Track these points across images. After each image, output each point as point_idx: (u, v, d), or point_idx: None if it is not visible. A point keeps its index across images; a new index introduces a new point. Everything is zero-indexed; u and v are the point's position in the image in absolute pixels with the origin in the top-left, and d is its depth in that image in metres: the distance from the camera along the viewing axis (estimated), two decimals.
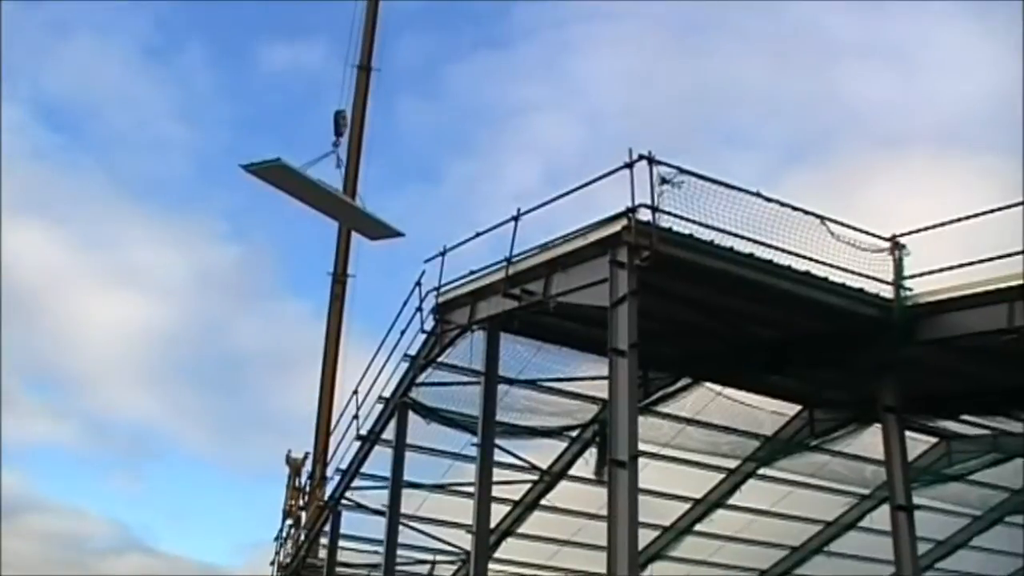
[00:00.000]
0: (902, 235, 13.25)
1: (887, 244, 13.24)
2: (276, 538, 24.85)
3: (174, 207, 61.00)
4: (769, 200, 12.37)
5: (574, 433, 17.58)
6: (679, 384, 15.73)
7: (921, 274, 12.99)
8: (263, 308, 59.39)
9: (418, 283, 15.87)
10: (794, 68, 55.11)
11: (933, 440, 17.20)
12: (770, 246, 12.30)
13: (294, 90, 59.13)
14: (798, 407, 16.68)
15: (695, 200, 11.91)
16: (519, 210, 13.71)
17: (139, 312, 56.17)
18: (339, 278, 24.88)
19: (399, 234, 20.88)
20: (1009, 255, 11.65)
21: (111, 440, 55.83)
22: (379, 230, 21.30)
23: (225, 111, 62.47)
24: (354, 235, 24.38)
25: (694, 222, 11.87)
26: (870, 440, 16.04)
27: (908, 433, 14.24)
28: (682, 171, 11.79)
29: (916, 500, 13.83)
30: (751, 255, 12.19)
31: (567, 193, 12.96)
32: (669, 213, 11.71)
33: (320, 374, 24.69)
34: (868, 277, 12.96)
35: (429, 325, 15.77)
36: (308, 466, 24.58)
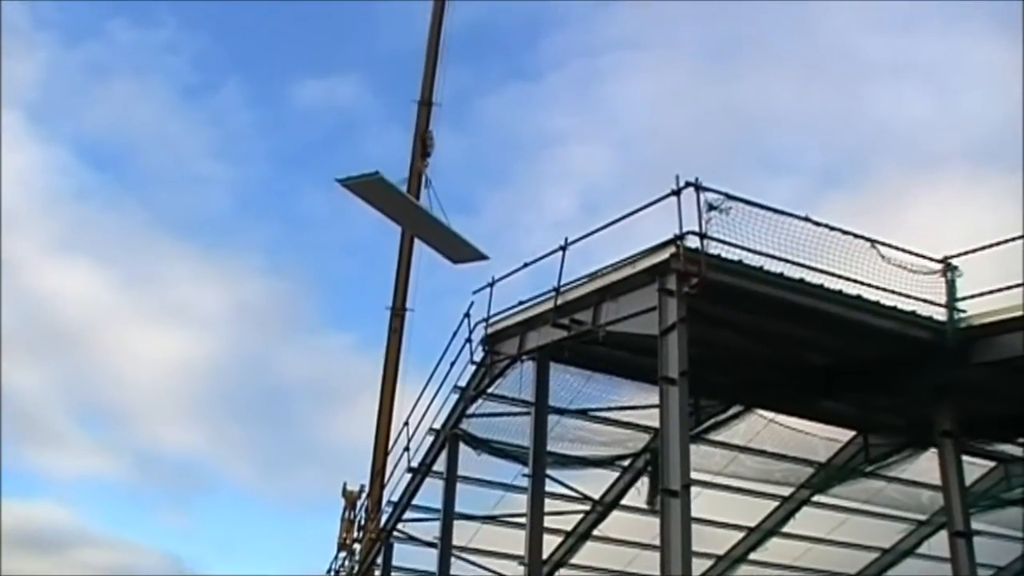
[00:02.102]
0: (953, 256, 13.28)
1: (938, 266, 13.24)
2: (328, 571, 24.96)
3: (214, 243, 62.26)
4: (818, 224, 12.41)
5: (626, 462, 17.56)
6: (731, 411, 15.70)
7: (974, 296, 13.00)
8: (305, 341, 60.49)
9: (467, 314, 16.04)
10: (827, 90, 55.19)
11: (991, 464, 17.03)
12: (820, 270, 12.33)
13: (328, 125, 60.32)
14: (852, 433, 16.57)
15: (742, 226, 11.96)
16: (566, 240, 13.85)
17: (183, 347, 57.14)
18: (397, 312, 24.92)
19: (484, 257, 20.79)
20: None
21: (160, 474, 56.60)
22: (464, 252, 21.15)
23: (261, 147, 63.92)
24: (413, 269, 24.54)
25: (742, 248, 11.93)
26: (926, 465, 15.94)
27: (965, 457, 14.13)
28: (730, 197, 11.86)
29: (975, 526, 13.68)
30: (801, 280, 12.23)
31: (615, 222, 13.04)
32: (717, 240, 11.77)
33: (377, 408, 24.73)
34: (920, 300, 12.94)
35: (479, 356, 15.88)
36: (364, 499, 24.67)
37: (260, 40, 61.70)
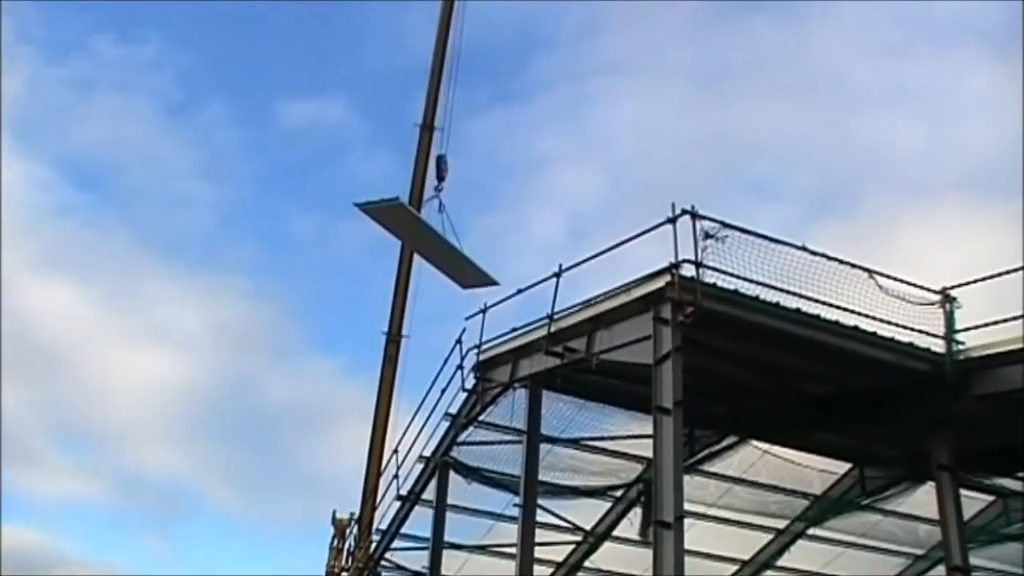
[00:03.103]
0: (952, 287, 13.28)
1: (937, 297, 13.24)
2: None
3: (199, 264, 62.01)
4: (815, 253, 12.44)
5: (618, 493, 17.54)
6: (725, 442, 15.72)
7: (973, 327, 12.97)
8: (291, 364, 60.07)
9: (459, 340, 16.03)
10: (818, 115, 55.11)
11: (989, 499, 17.01)
12: (816, 300, 12.31)
13: (314, 145, 60.34)
14: (848, 465, 16.57)
15: (737, 254, 11.99)
16: (560, 267, 13.88)
17: (167, 369, 56.75)
18: (393, 338, 24.88)
19: (494, 283, 20.91)
20: None
21: (142, 497, 56.10)
22: (475, 277, 21.23)
23: (247, 167, 63.73)
24: (411, 294, 24.54)
25: (738, 277, 11.93)
26: (923, 498, 15.92)
27: (963, 491, 14.11)
28: (726, 225, 11.90)
29: (973, 561, 13.82)
30: (797, 310, 12.20)
31: (610, 249, 13.07)
32: (713, 268, 11.79)
33: (369, 439, 24.59)
34: (918, 331, 12.93)
35: (470, 383, 15.86)
36: (353, 527, 24.52)
37: (246, 59, 61.70)
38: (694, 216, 11.86)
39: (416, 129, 24.31)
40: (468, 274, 21.21)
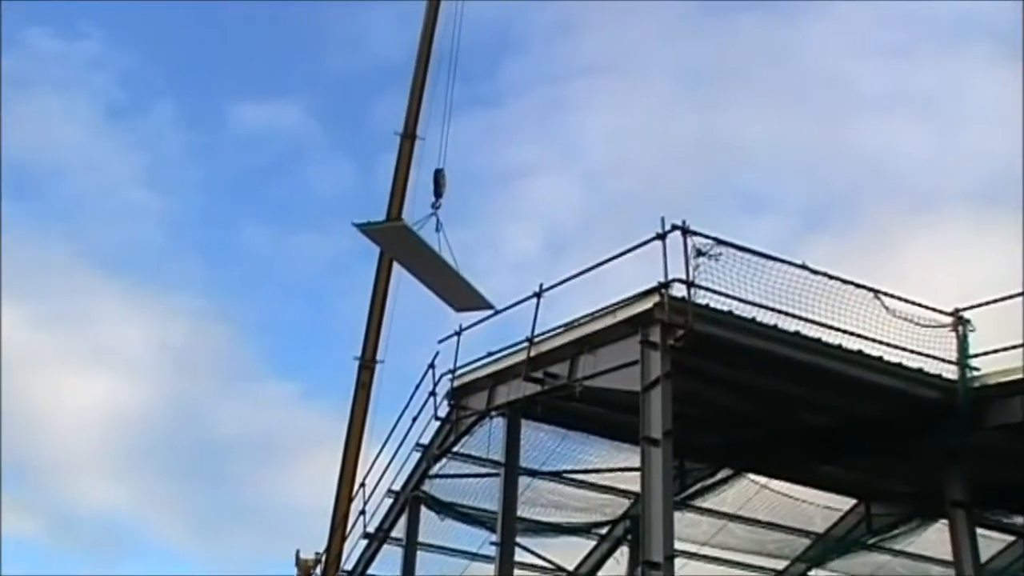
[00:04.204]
0: (965, 309, 13.16)
1: (948, 319, 13.09)
2: None
3: (146, 279, 60.20)
4: (816, 272, 12.27)
5: (603, 530, 17.41)
6: (719, 476, 15.61)
7: (989, 352, 12.83)
8: (244, 389, 58.41)
9: (431, 365, 15.86)
10: (812, 122, 54.32)
11: (1009, 539, 16.80)
12: (817, 323, 12.17)
13: (269, 151, 59.31)
14: (853, 501, 16.48)
15: (731, 272, 11.83)
16: (541, 286, 13.70)
17: (108, 394, 55.26)
18: (367, 364, 24.61)
19: (490, 307, 20.84)
20: None
21: (80, 536, 54.64)
22: (470, 301, 21.26)
23: (196, 175, 62.19)
24: (386, 318, 24.29)
25: (733, 297, 11.78)
26: (936, 537, 15.83)
27: (979, 530, 13.95)
28: (719, 242, 11.75)
29: None
30: (797, 333, 12.05)
31: (596, 267, 12.92)
32: (705, 288, 11.62)
33: (340, 469, 24.28)
34: (928, 356, 12.80)
35: (443, 411, 15.68)
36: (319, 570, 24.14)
37: (194, 58, 59.98)
38: (685, 232, 11.72)
39: (396, 138, 24.13)
40: (464, 297, 21.25)
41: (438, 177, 22.73)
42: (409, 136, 24.12)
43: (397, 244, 21.14)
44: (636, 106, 53.40)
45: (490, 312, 18.95)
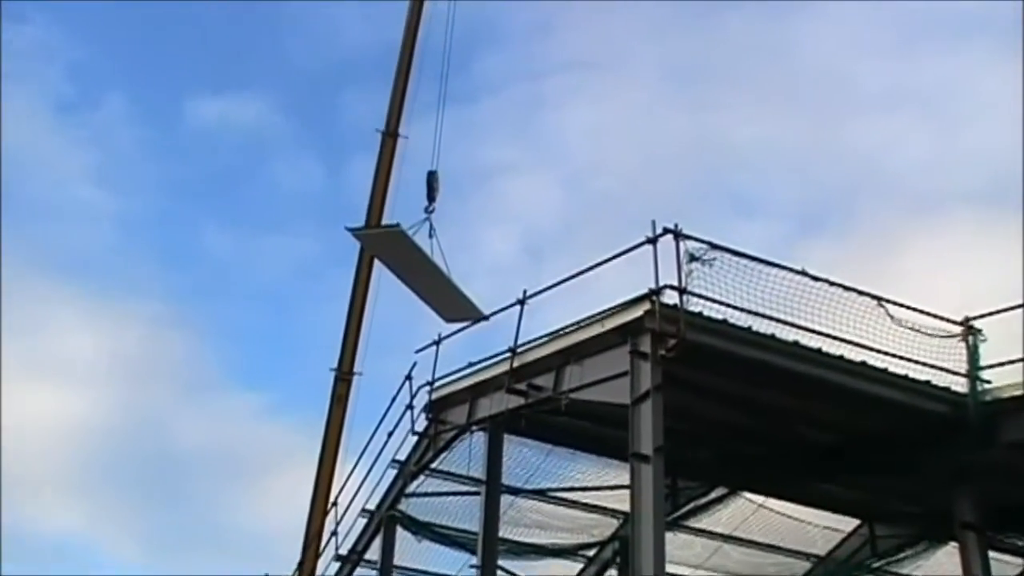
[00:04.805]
0: (976, 317, 13.02)
1: (958, 328, 12.97)
2: None
3: (101, 284, 59.50)
4: (816, 279, 12.16)
5: (591, 552, 17.30)
6: (714, 494, 15.61)
7: (1003, 363, 12.67)
8: (206, 401, 57.29)
9: (408, 376, 15.69)
10: (807, 121, 54.19)
11: (1023, 562, 16.50)
12: (817, 332, 12.04)
13: (230, 149, 58.32)
14: (856, 522, 16.44)
15: (725, 279, 11.75)
16: (525, 293, 13.57)
17: (59, 407, 54.40)
18: (344, 376, 24.38)
19: (484, 317, 20.66)
20: None
21: (29, 558, 53.77)
22: (461, 310, 20.84)
23: (151, 173, 61.23)
24: (364, 326, 24.07)
25: (728, 305, 11.66)
26: (945, 560, 15.68)
27: (992, 554, 13.80)
28: (714, 246, 11.64)
29: None
30: (796, 343, 11.92)
31: (582, 272, 12.77)
32: (698, 295, 11.50)
33: (314, 486, 24.06)
34: (936, 367, 12.66)
35: (421, 426, 15.53)
36: None
37: (148, 49, 58.47)
38: (678, 236, 11.57)
39: (378, 135, 23.98)
40: (455, 307, 20.94)
41: (431, 180, 22.56)
42: (391, 134, 24.00)
43: (391, 250, 20.85)
44: (619, 104, 53.21)
45: (471, 320, 18.79)
